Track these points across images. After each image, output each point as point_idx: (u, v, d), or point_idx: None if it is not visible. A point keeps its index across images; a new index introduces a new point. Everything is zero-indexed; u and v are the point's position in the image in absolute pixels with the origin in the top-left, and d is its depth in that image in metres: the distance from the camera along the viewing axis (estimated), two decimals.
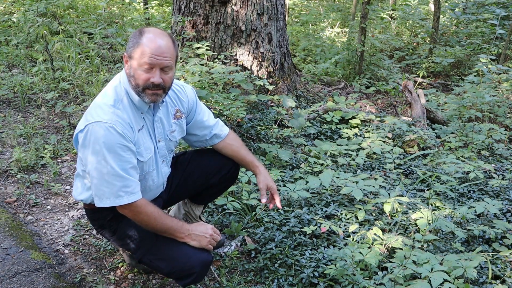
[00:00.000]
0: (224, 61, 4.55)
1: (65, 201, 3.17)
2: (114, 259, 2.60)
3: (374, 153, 3.94)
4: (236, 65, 4.80)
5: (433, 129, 4.80)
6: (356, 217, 2.85)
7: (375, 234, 2.51)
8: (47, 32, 5.91)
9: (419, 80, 6.69)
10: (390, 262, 2.31)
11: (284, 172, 3.56)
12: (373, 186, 2.88)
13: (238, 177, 2.69)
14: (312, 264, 2.43)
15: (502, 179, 3.57)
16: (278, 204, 2.36)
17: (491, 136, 4.45)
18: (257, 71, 4.91)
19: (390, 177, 3.56)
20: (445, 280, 2.07)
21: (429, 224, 2.60)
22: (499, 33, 6.72)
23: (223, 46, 4.86)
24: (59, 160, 3.67)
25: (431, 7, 9.46)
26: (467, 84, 5.12)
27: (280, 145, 4.08)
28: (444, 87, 6.88)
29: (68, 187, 3.33)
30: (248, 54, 4.87)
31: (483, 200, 2.95)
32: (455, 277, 2.13)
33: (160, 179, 2.23)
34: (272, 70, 5.01)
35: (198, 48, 4.40)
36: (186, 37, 4.86)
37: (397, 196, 2.84)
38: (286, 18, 6.76)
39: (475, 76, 5.19)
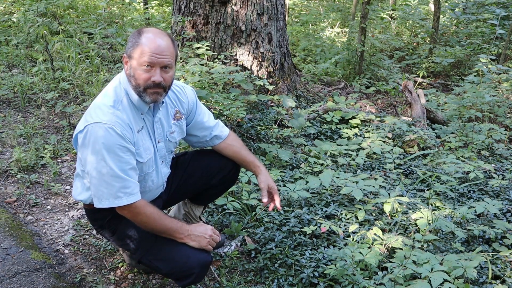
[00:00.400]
0: (224, 61, 4.55)
1: (65, 201, 3.17)
2: (114, 259, 2.60)
3: (374, 153, 3.94)
4: (236, 65, 4.80)
5: (433, 129, 4.80)
6: (356, 217, 2.85)
7: (375, 234, 2.51)
8: (47, 32, 5.91)
9: (419, 80, 6.69)
10: (390, 262, 2.31)
11: (284, 172, 3.56)
12: (373, 186, 2.88)
13: (238, 177, 2.69)
14: (312, 264, 2.43)
15: (502, 179, 3.57)
16: (278, 205, 2.36)
17: (491, 136, 4.45)
18: (257, 71, 4.91)
19: (390, 177, 3.56)
20: (445, 280, 2.07)
21: (429, 224, 2.60)
22: (499, 33, 6.72)
23: (223, 46, 4.87)
24: (59, 160, 3.68)
25: (431, 7, 9.46)
26: (467, 84, 5.12)
27: (280, 145, 4.08)
28: (444, 87, 6.88)
29: (68, 187, 3.33)
30: (248, 54, 4.87)
31: (483, 200, 2.95)
32: (455, 277, 2.13)
33: (159, 179, 2.23)
34: (272, 70, 5.01)
35: (198, 48, 4.40)
36: (186, 37, 4.86)
37: (397, 196, 2.84)
38: (286, 18, 6.76)
39: (475, 76, 5.19)
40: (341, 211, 2.94)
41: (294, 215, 2.86)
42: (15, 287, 2.30)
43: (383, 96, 6.25)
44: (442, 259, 2.27)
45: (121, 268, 2.53)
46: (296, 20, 9.91)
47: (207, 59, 4.40)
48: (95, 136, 1.89)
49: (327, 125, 4.64)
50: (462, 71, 7.26)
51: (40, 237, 2.78)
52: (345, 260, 2.29)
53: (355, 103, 5.36)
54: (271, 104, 4.79)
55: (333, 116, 4.69)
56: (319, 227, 2.70)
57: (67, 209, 3.08)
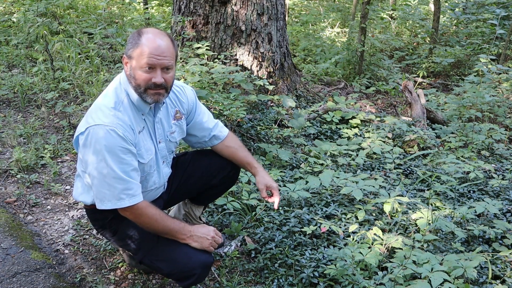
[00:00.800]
0: (224, 61, 4.55)
1: (65, 201, 3.17)
2: (114, 259, 2.60)
3: (374, 153, 3.94)
4: (236, 65, 4.80)
5: (433, 129, 4.80)
6: (356, 217, 2.85)
7: (375, 234, 2.51)
8: (47, 32, 5.91)
9: (419, 80, 6.69)
10: (390, 262, 2.31)
11: (284, 172, 3.56)
12: (373, 186, 2.88)
13: (238, 177, 2.69)
14: (312, 264, 2.43)
15: (502, 179, 3.57)
16: (275, 205, 2.34)
17: (491, 136, 4.45)
18: (257, 71, 4.91)
19: (390, 177, 3.56)
20: (445, 280, 2.07)
21: (429, 224, 2.60)
22: (499, 33, 6.72)
23: (223, 46, 4.87)
24: (59, 160, 3.67)
25: (431, 7, 9.46)
26: (467, 84, 5.12)
27: (280, 145, 4.08)
28: (444, 87, 6.88)
29: (68, 187, 3.33)
30: (248, 54, 4.87)
31: (483, 200, 2.95)
32: (455, 277, 2.13)
33: (161, 180, 2.23)
34: (272, 70, 5.01)
35: (198, 48, 4.40)
36: (186, 37, 4.86)
37: (397, 196, 2.84)
38: (286, 18, 6.76)
39: (475, 76, 5.19)
40: (341, 211, 2.94)
41: (294, 215, 2.86)
42: (15, 287, 2.30)
43: (383, 96, 6.25)
44: (442, 259, 2.27)
45: (121, 268, 2.53)
46: (296, 20, 9.91)
47: (207, 59, 4.40)
48: (97, 138, 1.89)
49: (327, 125, 4.64)
50: (462, 71, 7.26)
51: (40, 237, 2.78)
52: (345, 260, 2.29)
53: (355, 103, 5.36)
54: (271, 104, 4.79)
55: (333, 116, 4.69)
56: (319, 227, 2.69)
57: (67, 209, 3.08)
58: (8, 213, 2.96)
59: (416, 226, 2.76)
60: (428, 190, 3.38)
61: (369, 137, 4.27)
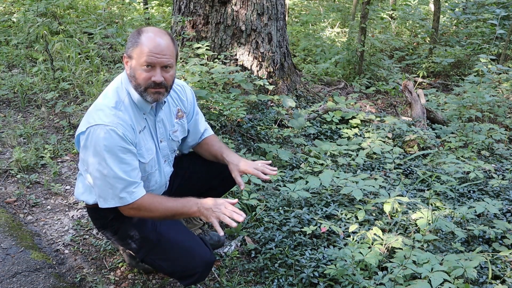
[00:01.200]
0: (224, 61, 4.55)
1: (65, 201, 3.17)
2: (114, 259, 2.61)
3: (374, 153, 3.94)
4: (236, 65, 4.80)
5: (433, 129, 4.80)
6: (356, 217, 2.85)
7: (375, 234, 2.51)
8: (47, 32, 5.91)
9: (419, 80, 6.69)
10: (390, 262, 2.31)
11: (284, 172, 3.56)
12: (373, 186, 2.88)
13: None
14: (312, 264, 2.43)
15: (502, 179, 3.57)
16: (267, 174, 2.18)
17: (491, 136, 4.45)
18: (257, 71, 4.91)
19: (390, 177, 3.56)
20: (445, 280, 2.07)
21: (429, 224, 2.60)
22: (499, 33, 6.72)
23: (223, 46, 4.87)
24: (59, 160, 3.67)
25: (431, 7, 9.46)
26: (467, 84, 5.12)
27: (280, 145, 4.08)
28: (444, 87, 6.88)
29: (68, 187, 3.33)
30: (248, 54, 4.87)
31: (483, 200, 2.95)
32: (455, 277, 2.13)
33: (162, 179, 2.23)
34: (272, 70, 5.01)
35: (198, 48, 4.40)
36: (186, 37, 4.86)
37: (397, 196, 2.85)
38: (286, 18, 6.76)
39: (475, 76, 5.19)
40: (341, 211, 2.94)
41: (294, 215, 2.86)
42: (15, 287, 2.30)
43: (383, 96, 6.25)
44: (442, 259, 2.27)
45: (121, 268, 2.53)
46: (296, 20, 9.91)
47: (207, 59, 4.40)
48: (97, 138, 1.89)
49: (327, 125, 4.64)
50: (462, 71, 7.26)
51: (40, 237, 2.78)
52: (345, 260, 2.29)
53: (355, 103, 5.36)
54: (271, 104, 4.79)
55: (333, 116, 4.69)
56: (319, 227, 2.70)
57: (67, 209, 3.08)
58: (8, 213, 2.96)
59: (416, 226, 2.76)
60: (428, 190, 3.38)
61: (369, 137, 4.27)
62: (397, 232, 2.70)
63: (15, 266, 2.43)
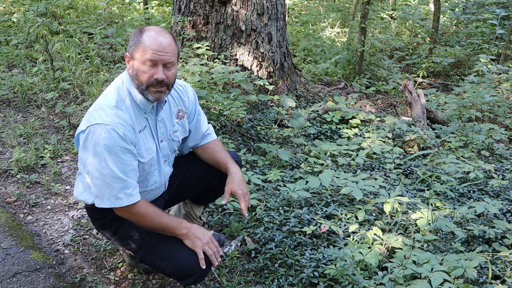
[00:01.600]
0: (224, 61, 4.55)
1: (65, 201, 3.17)
2: (114, 259, 2.61)
3: (374, 153, 3.94)
4: (236, 65, 4.80)
5: (433, 129, 4.80)
6: (356, 217, 2.85)
7: (375, 234, 2.51)
8: (47, 32, 5.91)
9: (419, 80, 6.69)
10: (390, 262, 2.31)
11: (284, 172, 3.56)
12: (373, 186, 2.88)
13: None
14: (312, 264, 2.43)
15: (502, 179, 3.57)
16: (244, 212, 2.20)
17: (491, 136, 4.45)
18: (257, 71, 4.91)
19: (390, 177, 3.56)
20: (445, 280, 2.07)
21: (429, 224, 2.60)
22: (499, 33, 6.72)
23: (223, 46, 4.87)
24: (59, 160, 3.67)
25: (431, 7, 9.46)
26: (467, 84, 5.13)
27: (280, 145, 4.08)
28: (444, 87, 6.88)
29: (68, 187, 3.33)
30: (248, 54, 4.87)
31: (483, 200, 2.95)
32: (455, 277, 2.13)
33: (162, 179, 2.23)
34: (272, 70, 5.01)
35: (198, 48, 4.40)
36: (186, 37, 4.86)
37: (397, 196, 2.84)
38: (286, 18, 6.76)
39: (475, 76, 5.20)
40: (341, 211, 2.94)
41: (294, 215, 2.86)
42: (15, 287, 2.30)
43: (383, 96, 6.25)
44: (442, 259, 2.27)
45: (121, 268, 2.53)
46: (296, 20, 9.91)
47: (207, 59, 4.40)
48: (97, 137, 1.89)
49: (327, 125, 4.64)
50: (462, 71, 7.26)
51: (40, 237, 2.78)
52: (345, 260, 2.29)
53: (355, 103, 5.36)
54: (271, 104, 4.79)
55: (333, 116, 4.69)
56: (319, 227, 2.70)
57: (67, 209, 3.08)
58: (8, 213, 2.96)
59: (416, 226, 2.76)
60: (428, 190, 3.38)
61: (369, 137, 4.27)
62: (397, 232, 2.70)
63: (15, 266, 2.43)
